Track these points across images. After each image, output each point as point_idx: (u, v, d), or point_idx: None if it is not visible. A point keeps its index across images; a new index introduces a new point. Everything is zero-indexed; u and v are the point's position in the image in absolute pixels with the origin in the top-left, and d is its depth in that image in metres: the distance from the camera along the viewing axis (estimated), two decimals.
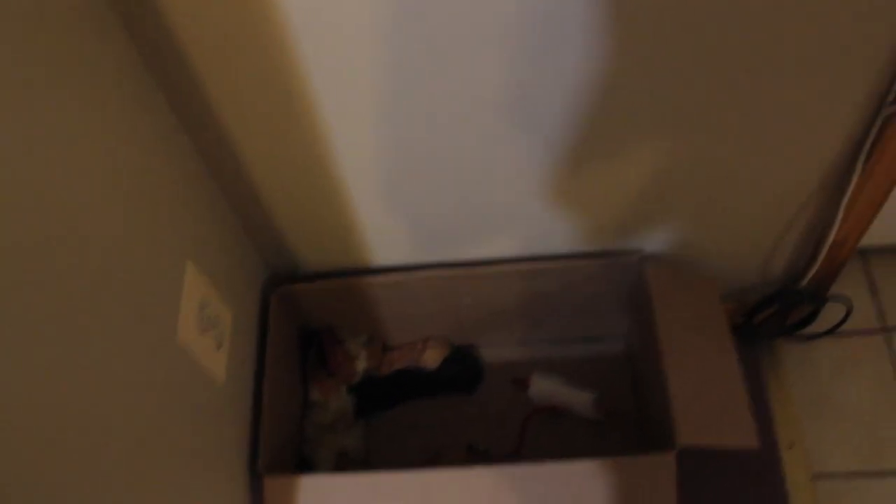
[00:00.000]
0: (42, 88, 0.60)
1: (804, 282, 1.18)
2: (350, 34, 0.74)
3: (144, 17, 0.71)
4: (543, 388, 1.26)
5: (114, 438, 0.69)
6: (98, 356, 0.66)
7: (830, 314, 1.26)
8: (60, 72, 0.63)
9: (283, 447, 1.11)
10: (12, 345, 0.54)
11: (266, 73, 0.78)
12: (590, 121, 0.87)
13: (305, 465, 1.19)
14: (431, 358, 1.28)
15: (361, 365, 1.24)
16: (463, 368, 1.31)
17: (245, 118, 0.86)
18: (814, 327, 1.28)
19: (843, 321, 1.23)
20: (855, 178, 0.96)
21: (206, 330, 0.90)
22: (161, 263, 0.80)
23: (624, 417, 1.25)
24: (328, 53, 0.76)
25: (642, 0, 0.71)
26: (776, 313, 1.26)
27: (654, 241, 1.12)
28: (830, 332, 1.27)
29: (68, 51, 0.64)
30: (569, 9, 0.71)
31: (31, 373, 0.57)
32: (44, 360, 0.58)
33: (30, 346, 0.56)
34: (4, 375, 0.53)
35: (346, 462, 1.21)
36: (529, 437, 1.26)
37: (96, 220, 0.67)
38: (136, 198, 0.76)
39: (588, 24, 0.73)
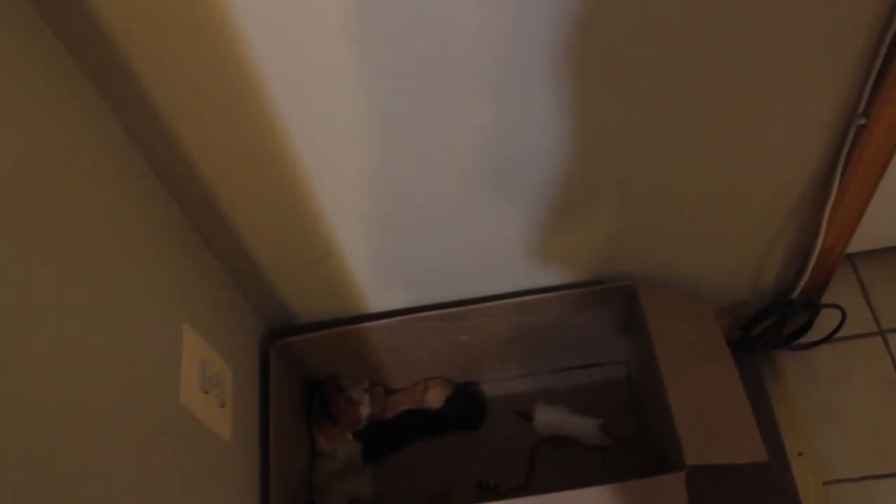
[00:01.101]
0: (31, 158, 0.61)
1: (796, 292, 1.19)
2: (336, 90, 0.76)
3: (137, 104, 0.73)
4: (548, 417, 1.27)
5: (123, 496, 0.69)
6: (103, 423, 0.66)
7: (826, 321, 1.27)
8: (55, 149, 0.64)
9: (294, 499, 1.11)
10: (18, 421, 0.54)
11: (249, 135, 0.80)
12: (569, 166, 0.89)
13: None
14: (434, 397, 1.28)
15: (365, 410, 1.25)
16: (466, 405, 1.31)
17: (231, 181, 0.87)
18: (811, 336, 1.29)
19: (839, 327, 1.24)
20: (835, 188, 0.97)
21: (208, 390, 0.90)
22: (158, 328, 0.81)
23: (630, 441, 1.25)
24: (312, 110, 0.78)
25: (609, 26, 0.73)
26: (772, 325, 1.27)
27: (645, 266, 1.13)
28: (827, 339, 1.28)
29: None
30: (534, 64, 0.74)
31: (42, 443, 0.57)
32: (53, 432, 0.59)
33: (38, 418, 0.57)
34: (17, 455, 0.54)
35: None
36: (538, 468, 1.26)
37: (93, 291, 0.68)
38: (131, 267, 0.76)
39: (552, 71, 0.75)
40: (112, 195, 0.75)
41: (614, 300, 1.15)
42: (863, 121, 0.86)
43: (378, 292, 1.12)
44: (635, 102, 0.81)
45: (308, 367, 1.23)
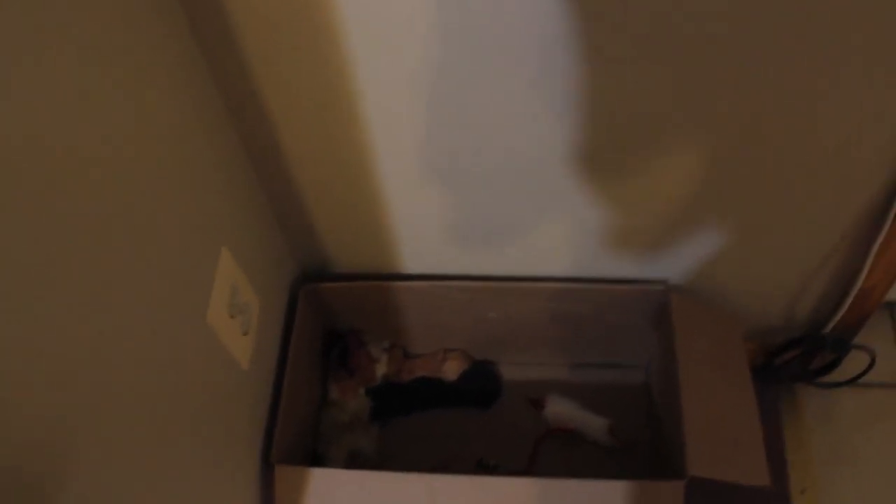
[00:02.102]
0: (95, 65, 0.62)
1: (829, 327, 1.18)
2: (402, 38, 0.77)
3: (212, 23, 0.75)
4: (559, 409, 1.27)
5: (138, 408, 0.70)
6: (132, 325, 0.68)
7: (853, 363, 1.25)
8: (113, 47, 0.65)
9: (297, 441, 1.13)
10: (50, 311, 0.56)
11: (316, 65, 0.80)
12: (632, 151, 0.90)
13: (317, 461, 1.21)
14: (451, 369, 1.29)
15: (382, 369, 1.26)
16: (481, 383, 1.32)
17: (291, 110, 0.88)
18: (836, 375, 1.27)
19: (866, 371, 1.22)
20: (886, 226, 0.96)
21: (234, 315, 0.92)
22: (198, 245, 0.83)
23: (637, 447, 1.25)
24: (379, 53, 0.79)
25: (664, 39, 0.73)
26: (798, 357, 1.25)
27: (682, 272, 1.12)
28: (852, 381, 1.26)
29: (119, 26, 0.66)
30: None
31: (67, 339, 0.59)
32: (81, 328, 0.60)
33: (68, 309, 0.59)
34: (43, 342, 0.55)
35: (357, 463, 1.22)
36: (541, 457, 1.26)
37: (143, 196, 0.70)
38: (181, 179, 0.78)
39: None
40: (178, 115, 0.77)
41: (646, 301, 1.14)
42: None
43: (417, 252, 1.13)
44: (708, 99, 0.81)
45: (333, 317, 1.25)
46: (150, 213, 0.71)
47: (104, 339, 0.64)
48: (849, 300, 1.10)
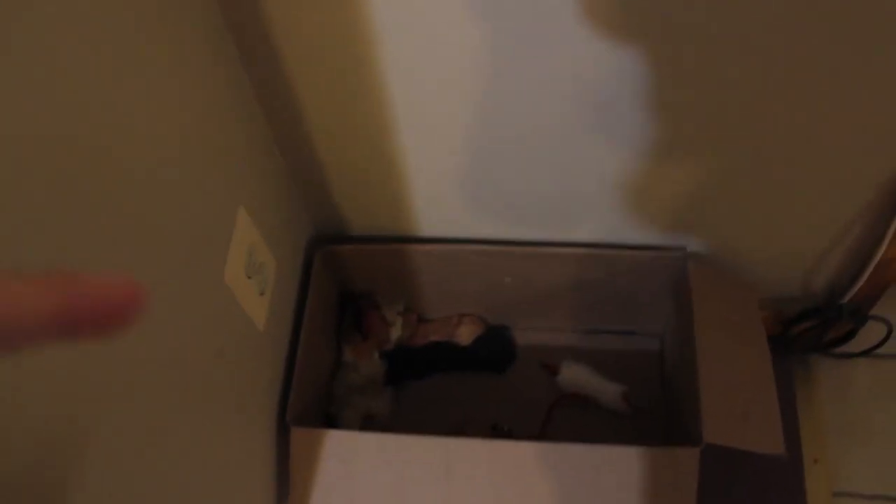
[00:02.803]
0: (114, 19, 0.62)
1: (846, 298, 1.17)
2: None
3: None
4: (573, 375, 1.27)
5: (155, 369, 0.71)
6: (149, 283, 0.68)
7: (870, 335, 1.24)
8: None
9: (312, 402, 1.13)
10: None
11: (337, 18, 0.79)
12: (661, 125, 0.88)
13: (331, 424, 1.21)
14: (465, 334, 1.29)
15: (396, 333, 1.26)
16: (495, 347, 1.32)
17: (310, 72, 0.87)
18: (851, 346, 1.27)
19: (883, 342, 1.22)
20: None
21: (251, 275, 0.92)
22: (215, 203, 0.82)
23: (651, 414, 1.25)
24: (407, 18, 0.77)
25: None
26: (814, 328, 1.25)
27: (700, 240, 1.12)
28: (868, 352, 1.25)
29: None
30: None
31: None
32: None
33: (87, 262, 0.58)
34: None
35: (371, 425, 1.23)
36: (554, 422, 1.27)
37: (160, 153, 0.69)
38: (198, 137, 0.77)
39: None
40: (197, 73, 0.76)
41: (664, 268, 1.14)
42: None
43: (433, 216, 1.12)
44: (743, 70, 0.80)
45: (348, 280, 1.24)
46: (169, 171, 0.71)
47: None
48: (867, 271, 1.09)
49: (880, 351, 1.24)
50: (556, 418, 1.27)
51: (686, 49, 0.78)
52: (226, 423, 0.90)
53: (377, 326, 1.24)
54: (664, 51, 0.78)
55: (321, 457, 1.03)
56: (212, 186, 0.81)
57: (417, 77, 0.86)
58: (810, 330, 1.26)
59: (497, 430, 1.25)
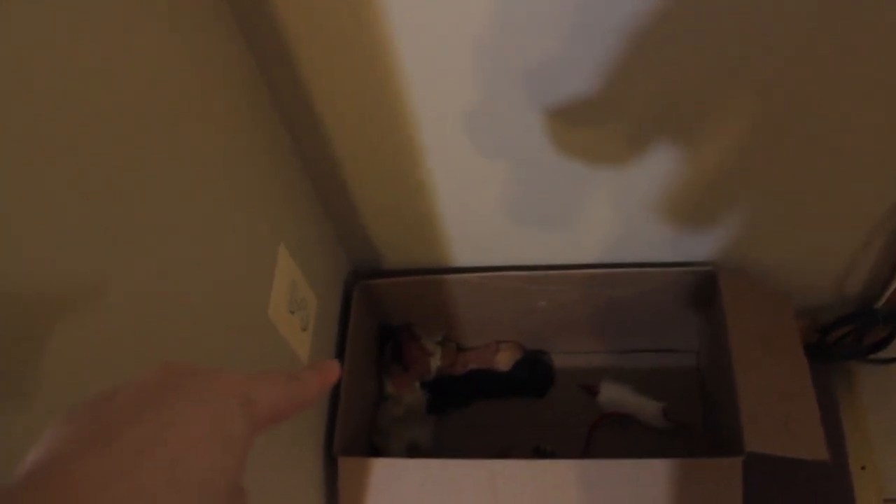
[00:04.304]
0: (167, 72, 0.66)
1: (880, 303, 1.17)
2: (455, 42, 0.79)
3: (258, 19, 0.77)
4: (613, 394, 1.28)
5: None
6: (201, 319, 0.71)
7: None
8: (179, 56, 0.69)
9: (357, 434, 1.16)
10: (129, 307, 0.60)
11: (365, 67, 0.83)
12: (688, 136, 0.91)
13: (376, 455, 1.23)
14: (504, 360, 1.32)
15: (436, 363, 1.29)
16: (534, 372, 1.34)
17: (340, 111, 0.90)
18: (890, 351, 1.26)
19: None
20: None
21: (294, 310, 0.95)
22: (258, 241, 0.86)
23: (691, 429, 1.26)
24: (431, 59, 0.81)
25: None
26: (851, 334, 1.25)
27: (729, 252, 1.13)
28: None
29: (187, 40, 0.70)
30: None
31: (138, 333, 0.61)
32: (154, 320, 0.64)
33: (145, 290, 0.62)
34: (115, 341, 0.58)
35: (415, 455, 1.25)
36: (597, 442, 1.28)
37: (211, 196, 0.73)
38: (245, 180, 0.81)
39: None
40: (234, 118, 0.80)
41: (695, 283, 1.15)
42: None
43: (466, 246, 1.15)
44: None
45: (386, 312, 1.27)
46: (216, 211, 0.74)
47: (175, 332, 0.66)
48: None
49: None
50: (599, 438, 1.28)
51: (713, 53, 0.80)
52: (275, 456, 0.93)
53: (417, 357, 1.27)
54: (691, 61, 0.81)
55: (369, 485, 1.05)
56: (255, 226, 0.85)
57: (443, 113, 0.89)
58: (847, 336, 1.26)
59: (540, 452, 1.27)
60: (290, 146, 0.95)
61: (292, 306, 0.95)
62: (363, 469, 1.05)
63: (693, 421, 1.27)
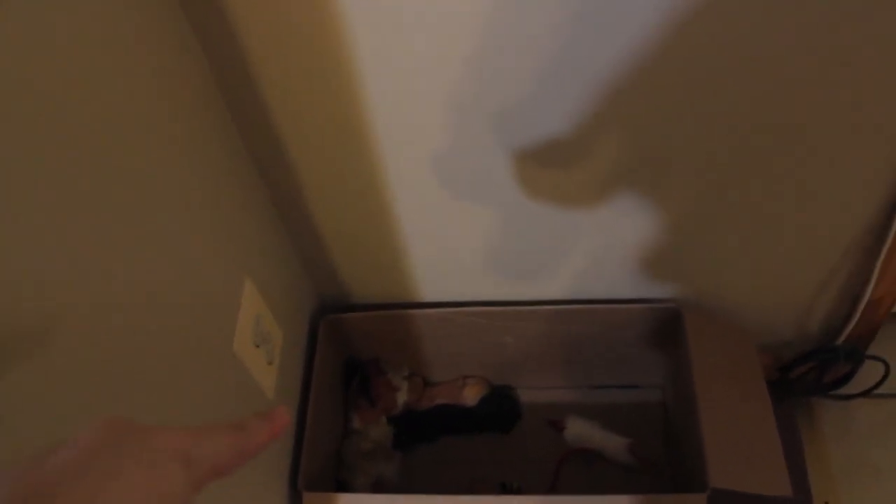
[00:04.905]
0: (129, 103, 0.66)
1: (840, 339, 1.19)
2: (426, 82, 0.80)
3: (222, 45, 0.77)
4: (579, 430, 1.29)
5: None
6: (163, 353, 0.71)
7: (869, 375, 1.26)
8: (145, 91, 0.69)
9: (323, 469, 1.15)
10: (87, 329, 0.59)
11: (329, 107, 0.83)
12: (645, 176, 0.92)
13: (342, 489, 1.22)
14: (470, 395, 1.31)
15: (402, 398, 1.28)
16: (501, 407, 1.34)
17: (306, 149, 0.91)
18: (850, 387, 1.28)
19: (881, 382, 1.24)
20: (889, 240, 0.98)
21: (259, 344, 0.95)
22: (224, 276, 0.85)
23: (657, 465, 1.26)
24: (401, 97, 0.82)
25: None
26: (812, 370, 1.27)
27: (692, 290, 1.15)
28: (868, 392, 1.27)
29: (153, 73, 0.70)
30: None
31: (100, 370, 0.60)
32: (114, 359, 0.63)
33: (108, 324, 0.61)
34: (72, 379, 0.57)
35: (381, 490, 1.24)
36: (563, 478, 1.28)
37: (172, 229, 0.73)
38: (209, 215, 0.81)
39: None
40: (201, 147, 0.80)
41: (659, 320, 1.16)
42: None
43: (433, 282, 1.16)
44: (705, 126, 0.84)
45: (353, 347, 1.27)
46: (179, 245, 0.74)
47: (135, 367, 0.66)
48: (858, 312, 1.12)
49: (879, 391, 1.26)
50: (565, 474, 1.28)
51: (682, 105, 0.82)
52: (238, 491, 0.92)
53: (384, 392, 1.26)
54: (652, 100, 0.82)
55: None
56: (220, 260, 0.84)
57: (411, 150, 0.90)
58: (809, 373, 1.28)
59: (506, 488, 1.26)
60: (257, 178, 0.95)
61: (257, 340, 0.94)
62: None
63: (659, 456, 1.27)
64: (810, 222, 1.00)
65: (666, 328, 1.18)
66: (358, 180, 0.96)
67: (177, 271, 0.74)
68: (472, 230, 1.05)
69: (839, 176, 0.91)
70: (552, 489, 1.26)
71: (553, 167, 0.92)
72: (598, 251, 1.07)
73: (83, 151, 0.57)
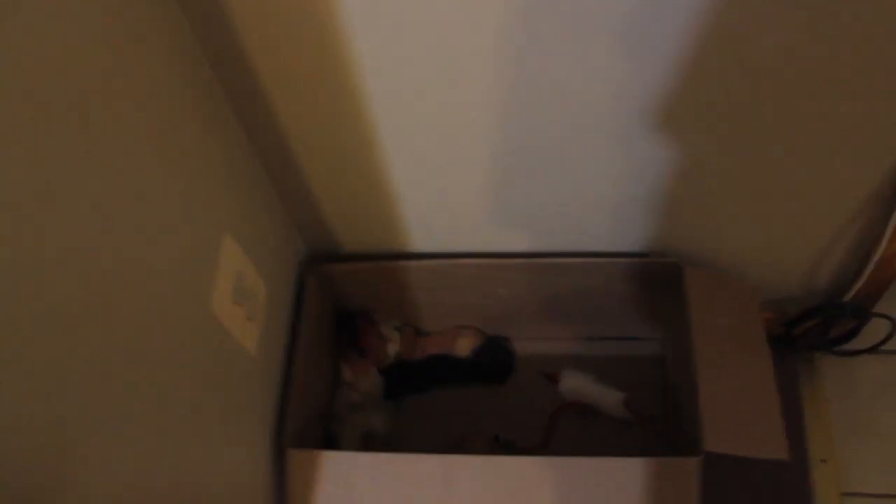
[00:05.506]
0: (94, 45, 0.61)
1: (848, 296, 1.15)
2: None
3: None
4: (574, 383, 1.26)
5: (141, 400, 0.70)
6: (134, 318, 0.68)
7: (874, 331, 1.22)
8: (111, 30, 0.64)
9: (310, 422, 1.13)
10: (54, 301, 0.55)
11: (318, 44, 0.78)
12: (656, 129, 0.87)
13: (330, 442, 1.20)
14: (463, 346, 1.28)
15: (394, 348, 1.25)
16: (495, 358, 1.31)
17: (295, 95, 0.86)
18: (856, 343, 1.25)
19: (887, 339, 1.20)
20: None
21: (240, 301, 0.91)
22: (201, 236, 0.82)
23: (653, 420, 1.24)
24: (383, 41, 0.77)
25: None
26: (817, 326, 1.23)
27: (697, 244, 1.11)
28: (873, 349, 1.23)
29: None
30: None
31: (68, 332, 0.58)
32: (80, 314, 0.60)
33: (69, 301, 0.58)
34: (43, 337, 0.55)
35: (371, 442, 1.22)
36: (556, 431, 1.25)
37: (143, 186, 0.69)
38: (181, 169, 0.77)
39: None
40: (176, 103, 0.75)
41: (660, 275, 1.12)
42: None
43: (425, 232, 1.12)
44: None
45: (343, 297, 1.23)
46: (150, 204, 0.70)
47: (105, 332, 0.63)
48: (868, 269, 1.08)
49: (885, 347, 1.22)
50: (559, 427, 1.26)
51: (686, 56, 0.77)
52: (220, 447, 0.90)
53: (374, 343, 1.24)
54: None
55: (319, 478, 1.02)
56: (196, 219, 0.80)
57: (400, 92, 0.85)
58: (814, 329, 1.24)
59: (499, 442, 1.24)
60: (239, 128, 0.91)
61: (238, 297, 0.91)
62: (314, 462, 1.02)
63: (655, 411, 1.24)
64: (825, 176, 0.95)
65: (667, 283, 1.14)
66: (348, 130, 0.91)
67: (147, 229, 0.70)
68: (467, 179, 1.00)
69: (860, 127, 0.86)
70: (545, 443, 1.24)
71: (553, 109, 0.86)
72: (596, 202, 1.02)
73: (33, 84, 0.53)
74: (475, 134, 0.91)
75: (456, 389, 1.31)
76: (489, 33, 0.74)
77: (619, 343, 1.32)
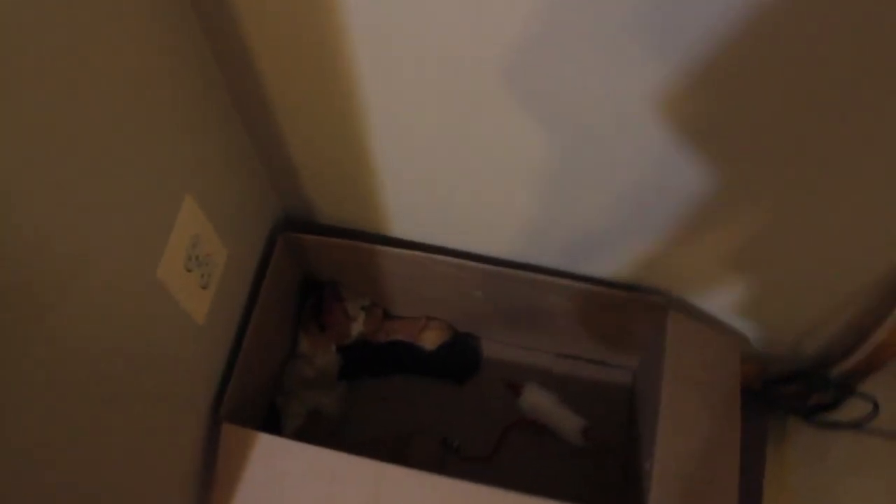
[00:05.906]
0: None
1: (835, 369, 1.10)
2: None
3: None
4: (535, 400, 1.21)
5: (76, 363, 0.66)
6: (67, 271, 0.63)
7: (855, 406, 1.17)
8: None
9: (256, 395, 1.08)
10: None
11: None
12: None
13: (275, 415, 1.16)
14: (430, 338, 1.23)
15: (357, 328, 1.20)
16: (459, 357, 1.26)
17: (279, 53, 0.79)
18: (834, 415, 1.19)
19: (867, 420, 1.14)
20: None
21: (192, 269, 0.86)
22: (154, 196, 0.75)
23: (610, 450, 1.19)
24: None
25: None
26: (798, 392, 1.17)
27: (688, 285, 1.04)
28: (850, 425, 1.18)
29: None
30: None
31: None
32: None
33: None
34: None
35: (317, 420, 1.17)
36: (508, 446, 1.21)
37: (101, 137, 0.63)
38: (148, 122, 0.71)
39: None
40: (144, 47, 0.68)
41: (645, 311, 1.06)
42: None
43: (406, 218, 1.05)
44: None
45: (312, 266, 1.18)
46: (95, 158, 0.64)
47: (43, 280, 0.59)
48: (863, 350, 1.02)
49: (863, 427, 1.17)
50: (510, 442, 1.21)
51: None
52: (151, 417, 0.85)
53: (338, 319, 1.18)
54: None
55: (251, 458, 0.98)
56: (150, 177, 0.74)
57: (391, 70, 0.77)
58: (794, 393, 1.19)
59: (446, 445, 1.19)
60: (221, 84, 0.84)
61: (190, 264, 0.85)
62: (248, 440, 0.98)
63: (613, 441, 1.19)
64: (833, 251, 0.89)
65: (650, 321, 1.08)
66: (335, 98, 0.83)
67: (92, 185, 0.64)
68: (455, 173, 0.93)
69: (871, 211, 0.79)
70: (492, 456, 1.19)
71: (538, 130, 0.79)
72: (586, 225, 0.96)
73: None
74: (469, 132, 0.84)
75: (414, 380, 1.26)
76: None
77: (590, 365, 1.26)
